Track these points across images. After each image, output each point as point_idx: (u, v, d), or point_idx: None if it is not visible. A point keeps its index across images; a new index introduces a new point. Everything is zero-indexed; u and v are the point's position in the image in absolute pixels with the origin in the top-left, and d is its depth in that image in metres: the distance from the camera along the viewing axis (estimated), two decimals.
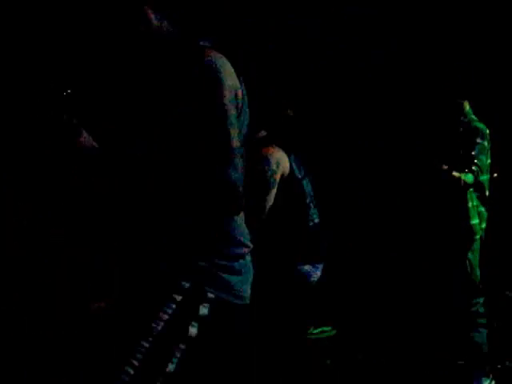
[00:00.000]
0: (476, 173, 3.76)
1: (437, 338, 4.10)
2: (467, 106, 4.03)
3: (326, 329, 4.53)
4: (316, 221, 3.54)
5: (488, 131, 3.89)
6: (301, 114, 5.23)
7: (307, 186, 3.62)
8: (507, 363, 3.91)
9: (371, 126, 5.23)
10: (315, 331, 4.50)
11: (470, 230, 3.89)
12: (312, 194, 3.63)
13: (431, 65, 5.22)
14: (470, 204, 3.89)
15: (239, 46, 5.18)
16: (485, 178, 3.92)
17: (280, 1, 5.24)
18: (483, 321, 3.89)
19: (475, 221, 3.91)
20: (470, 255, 3.91)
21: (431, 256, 4.09)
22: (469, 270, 3.88)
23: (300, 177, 3.58)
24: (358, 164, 5.12)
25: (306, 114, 5.20)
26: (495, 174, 4.68)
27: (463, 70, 5.08)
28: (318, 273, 3.49)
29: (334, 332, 4.47)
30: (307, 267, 3.42)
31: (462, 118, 3.95)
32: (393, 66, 5.20)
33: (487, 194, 3.99)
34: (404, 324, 4.46)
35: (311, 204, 3.56)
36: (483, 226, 3.97)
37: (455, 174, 3.71)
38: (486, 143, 3.88)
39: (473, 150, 3.82)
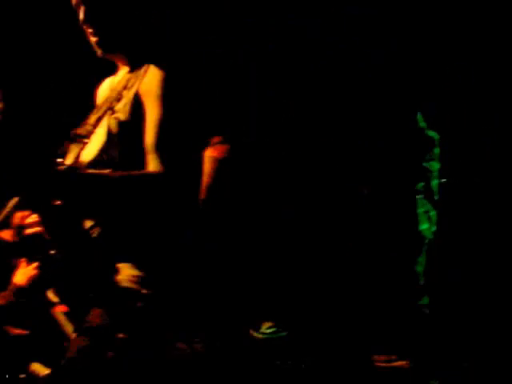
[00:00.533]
0: (427, 178, 3.85)
1: (385, 340, 4.13)
2: (418, 114, 4.07)
3: (276, 329, 4.57)
4: None
5: (438, 138, 3.96)
6: (301, 113, 5.25)
7: None
8: (451, 363, 3.95)
9: (371, 126, 5.23)
10: (268, 331, 4.54)
11: (419, 236, 3.92)
12: None
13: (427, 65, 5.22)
14: (419, 210, 3.92)
15: (239, 46, 5.20)
16: (435, 182, 3.97)
17: (280, 1, 5.24)
18: (428, 322, 3.97)
19: (425, 226, 3.93)
20: (419, 260, 3.94)
21: (382, 260, 4.14)
22: (418, 273, 3.93)
23: None
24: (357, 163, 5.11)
25: (305, 114, 5.21)
26: (444, 180, 4.75)
27: (463, 70, 5.11)
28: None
29: (284, 333, 4.52)
30: None
31: (412, 124, 4.03)
32: (393, 65, 5.20)
33: (437, 198, 4.02)
34: (353, 326, 4.49)
35: None
36: (433, 229, 4.00)
37: None
38: (436, 150, 3.95)
39: (425, 155, 3.89)
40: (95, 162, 1.83)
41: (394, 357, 3.94)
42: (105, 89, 2.07)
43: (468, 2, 5.17)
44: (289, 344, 4.33)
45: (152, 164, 1.75)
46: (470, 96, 5.27)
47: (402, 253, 3.91)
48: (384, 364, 3.93)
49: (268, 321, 4.60)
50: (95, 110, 1.97)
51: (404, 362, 3.91)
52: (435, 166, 3.89)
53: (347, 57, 5.27)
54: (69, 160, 1.88)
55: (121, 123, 1.82)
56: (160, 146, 1.76)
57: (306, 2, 5.21)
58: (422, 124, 3.97)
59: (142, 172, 1.77)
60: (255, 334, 4.56)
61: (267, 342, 4.45)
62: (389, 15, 5.23)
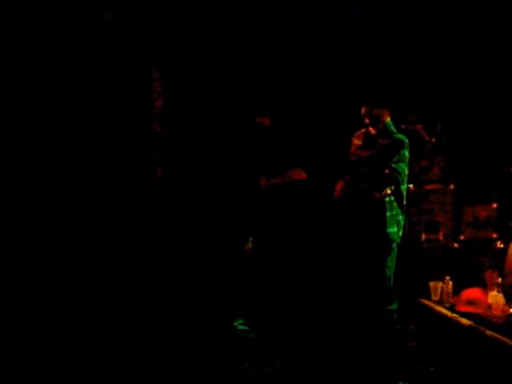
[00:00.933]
0: (396, 180, 3.87)
1: (353, 343, 4.14)
2: (387, 118, 4.08)
3: (240, 321, 4.64)
4: None
5: (407, 142, 3.98)
6: (301, 113, 5.25)
7: None
8: (420, 366, 3.96)
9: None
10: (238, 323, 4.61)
11: (387, 238, 3.96)
12: None
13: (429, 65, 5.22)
14: (388, 213, 3.97)
15: (239, 46, 5.20)
16: (404, 187, 4.01)
17: (280, 1, 5.24)
18: (397, 326, 4.00)
19: (393, 229, 3.97)
20: (388, 262, 3.98)
21: (352, 262, 4.16)
22: (387, 276, 3.96)
23: None
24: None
25: (306, 114, 5.21)
26: (411, 185, 4.79)
27: (463, 69, 5.10)
28: None
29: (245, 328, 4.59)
30: None
31: (382, 127, 4.06)
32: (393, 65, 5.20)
33: (405, 202, 4.06)
34: (324, 328, 4.51)
35: None
36: (400, 233, 4.04)
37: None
38: (406, 153, 3.98)
39: (394, 158, 3.92)
40: None
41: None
42: None
43: (468, 2, 5.17)
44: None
45: None
46: (470, 97, 5.27)
47: (371, 255, 3.97)
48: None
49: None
50: None
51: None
52: (404, 167, 3.91)
53: (347, 57, 5.27)
54: None
55: None
56: None
57: (306, 1, 5.21)
58: (391, 128, 4.03)
59: None
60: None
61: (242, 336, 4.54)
62: (389, 15, 5.22)
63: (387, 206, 3.96)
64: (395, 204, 3.99)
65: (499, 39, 5.15)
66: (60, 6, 4.54)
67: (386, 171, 3.89)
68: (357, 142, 4.12)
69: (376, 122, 4.07)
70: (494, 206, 5.17)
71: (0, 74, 4.38)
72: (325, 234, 4.93)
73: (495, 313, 3.82)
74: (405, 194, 4.03)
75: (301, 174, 4.80)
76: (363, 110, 4.10)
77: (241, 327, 4.66)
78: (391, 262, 3.99)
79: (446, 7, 5.19)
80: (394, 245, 3.99)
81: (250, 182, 4.87)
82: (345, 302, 4.40)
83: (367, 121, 4.08)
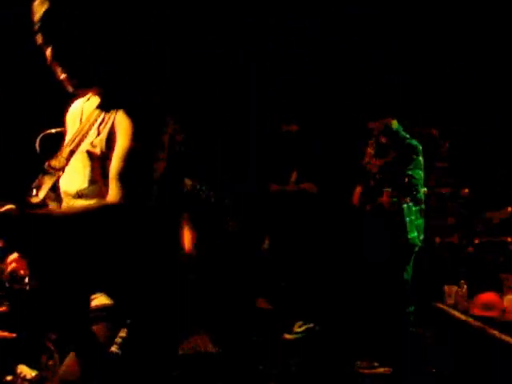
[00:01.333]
0: (415, 186, 3.89)
1: (368, 346, 4.15)
2: (395, 124, 4.09)
3: (308, 325, 4.56)
4: None
5: (421, 147, 4.00)
6: (301, 114, 5.23)
7: None
8: (435, 368, 3.97)
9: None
10: (299, 329, 4.53)
11: (409, 243, 3.98)
12: None
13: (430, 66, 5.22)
14: (407, 218, 3.99)
15: (239, 46, 5.20)
16: (421, 192, 4.03)
17: (280, 1, 5.24)
18: (413, 329, 4.02)
19: (414, 234, 4.00)
20: (408, 267, 4.01)
21: (373, 267, 4.17)
22: (405, 280, 3.98)
23: None
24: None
25: (306, 114, 5.20)
26: (425, 189, 4.77)
27: (463, 69, 5.09)
28: None
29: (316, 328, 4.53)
30: None
31: (392, 135, 4.06)
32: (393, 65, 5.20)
33: (423, 206, 4.08)
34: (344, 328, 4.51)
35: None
36: (421, 237, 4.06)
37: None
38: (420, 158, 4.00)
39: (409, 165, 3.92)
40: (82, 193, 1.84)
41: (376, 363, 4.01)
42: (75, 117, 2.03)
43: (468, 2, 5.17)
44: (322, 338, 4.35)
45: (113, 192, 1.77)
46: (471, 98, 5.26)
47: (392, 260, 3.98)
48: (366, 370, 3.98)
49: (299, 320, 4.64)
50: (68, 142, 1.96)
51: (386, 369, 3.98)
52: (420, 173, 3.94)
53: (347, 57, 5.27)
54: (42, 192, 1.88)
55: (99, 157, 1.83)
56: (124, 176, 1.77)
57: (306, 1, 5.21)
58: (403, 134, 4.04)
59: (100, 203, 1.79)
60: (287, 336, 4.59)
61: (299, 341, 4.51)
62: (389, 15, 5.22)
63: (406, 211, 3.99)
64: (414, 209, 4.03)
65: (499, 39, 5.15)
66: None
67: (406, 179, 3.91)
68: (369, 150, 4.13)
69: (385, 131, 4.08)
70: (509, 209, 5.16)
71: None
72: (341, 240, 4.88)
73: (510, 316, 3.81)
74: (423, 198, 4.06)
75: (313, 188, 4.81)
76: (370, 125, 4.12)
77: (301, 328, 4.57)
78: (410, 266, 4.01)
79: (446, 7, 5.18)
80: (416, 249, 4.02)
81: (252, 184, 4.87)
82: (364, 304, 4.36)
83: (376, 132, 4.09)
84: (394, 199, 3.96)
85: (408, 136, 4.12)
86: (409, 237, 3.97)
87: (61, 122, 2.11)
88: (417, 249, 4.02)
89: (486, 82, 5.25)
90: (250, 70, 5.25)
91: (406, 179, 3.91)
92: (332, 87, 5.29)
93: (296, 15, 5.20)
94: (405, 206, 3.98)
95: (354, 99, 4.79)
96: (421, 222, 4.07)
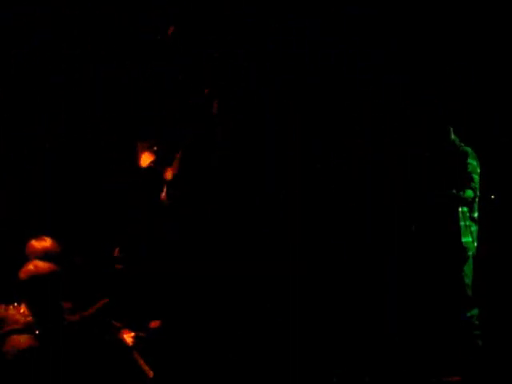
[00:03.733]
0: (474, 189, 3.96)
1: (435, 351, 4.13)
2: (452, 132, 4.22)
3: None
4: None
5: (473, 153, 4.06)
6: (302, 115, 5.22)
7: None
8: (504, 373, 3.95)
9: (371, 128, 5.22)
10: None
11: (463, 248, 4.05)
12: None
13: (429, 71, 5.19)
14: (462, 223, 4.04)
15: (239, 46, 5.18)
16: (476, 198, 4.14)
17: (280, 1, 5.23)
18: (478, 332, 4.04)
19: (468, 238, 4.06)
20: (464, 271, 4.08)
21: (427, 272, 4.17)
22: (465, 283, 4.05)
23: None
24: (356, 167, 5.10)
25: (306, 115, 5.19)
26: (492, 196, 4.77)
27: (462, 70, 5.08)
28: None
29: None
30: None
31: (449, 142, 4.14)
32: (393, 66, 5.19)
33: (477, 214, 4.15)
34: (401, 340, 4.46)
35: None
36: (475, 243, 4.13)
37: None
38: (474, 163, 4.09)
39: (466, 169, 4.00)
40: None
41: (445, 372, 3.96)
42: None
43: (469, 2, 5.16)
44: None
45: None
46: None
47: (447, 265, 4.05)
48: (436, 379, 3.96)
49: None
50: None
51: (457, 379, 3.94)
52: (477, 179, 4.02)
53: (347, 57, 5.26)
54: None
55: None
56: None
57: (306, 1, 5.20)
58: (458, 141, 4.12)
59: None
60: None
61: None
62: (389, 15, 5.22)
63: (460, 216, 4.05)
64: (468, 215, 4.09)
65: (500, 38, 5.14)
66: None
67: (467, 184, 3.94)
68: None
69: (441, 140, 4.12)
70: None
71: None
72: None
73: None
74: (476, 205, 4.13)
75: None
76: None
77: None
78: (468, 269, 4.08)
79: (446, 7, 5.18)
80: (470, 253, 4.09)
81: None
82: (423, 308, 4.33)
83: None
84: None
85: (462, 144, 4.22)
86: (462, 241, 4.04)
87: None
88: (470, 253, 4.08)
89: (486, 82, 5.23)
90: (250, 69, 5.24)
91: (468, 183, 3.96)
92: (332, 87, 5.27)
93: (296, 15, 5.20)
94: (460, 210, 4.04)
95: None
96: (474, 228, 4.13)
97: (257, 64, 5.20)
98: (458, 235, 4.03)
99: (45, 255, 3.49)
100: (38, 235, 3.71)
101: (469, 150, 4.14)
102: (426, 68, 5.24)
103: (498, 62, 5.20)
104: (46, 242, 3.62)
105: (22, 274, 3.26)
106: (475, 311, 4.04)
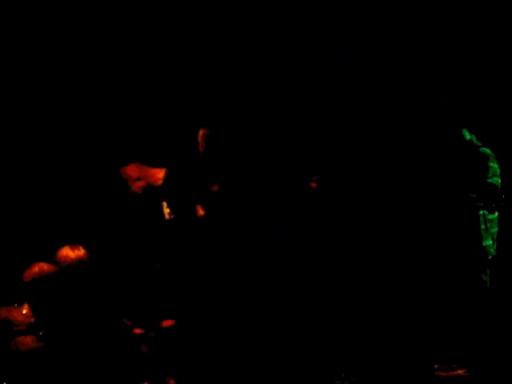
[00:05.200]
0: (495, 192, 3.92)
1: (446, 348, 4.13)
2: (467, 134, 4.14)
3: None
4: None
5: (493, 154, 4.03)
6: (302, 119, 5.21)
7: None
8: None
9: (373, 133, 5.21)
10: None
11: (483, 252, 4.02)
12: None
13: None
14: (482, 226, 4.01)
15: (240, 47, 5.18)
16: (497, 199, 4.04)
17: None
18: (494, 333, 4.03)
19: (488, 242, 4.03)
20: (483, 275, 4.05)
21: (446, 276, 4.16)
22: (484, 287, 4.04)
23: None
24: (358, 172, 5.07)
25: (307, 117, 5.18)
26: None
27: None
28: None
29: None
30: None
31: (466, 144, 4.10)
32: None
33: (497, 215, 4.12)
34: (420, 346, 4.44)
35: None
36: (495, 246, 4.09)
37: None
38: (495, 165, 4.04)
39: (487, 172, 3.98)
40: None
41: (455, 365, 3.98)
42: None
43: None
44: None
45: None
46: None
47: (465, 268, 4.02)
48: (445, 373, 3.97)
49: None
50: None
51: (465, 371, 3.95)
52: (498, 181, 3.98)
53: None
54: None
55: None
56: None
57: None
58: (477, 143, 4.09)
59: None
60: None
61: None
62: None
63: (481, 219, 4.02)
64: (489, 217, 4.06)
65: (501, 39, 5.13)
66: None
67: (488, 189, 3.93)
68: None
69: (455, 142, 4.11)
70: None
71: None
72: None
73: None
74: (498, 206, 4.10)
75: None
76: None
77: None
78: (487, 274, 4.07)
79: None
80: (489, 258, 4.06)
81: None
82: (440, 307, 4.31)
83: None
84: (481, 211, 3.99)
85: (479, 143, 4.16)
86: (483, 245, 4.01)
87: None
88: (490, 257, 4.05)
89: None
90: (250, 72, 5.24)
91: (489, 189, 3.94)
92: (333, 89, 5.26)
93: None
94: (480, 213, 4.01)
95: None
96: (495, 231, 4.09)
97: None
98: (479, 239, 4.00)
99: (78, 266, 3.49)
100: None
101: (487, 151, 4.09)
102: (435, 67, 5.22)
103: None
104: (79, 251, 3.61)
105: (28, 276, 3.27)
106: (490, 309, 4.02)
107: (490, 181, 3.98)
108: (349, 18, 5.26)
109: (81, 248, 3.62)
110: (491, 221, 4.08)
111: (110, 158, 4.72)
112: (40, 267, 3.33)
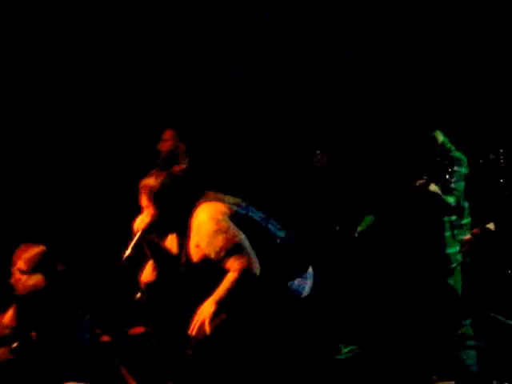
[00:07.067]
0: (457, 197, 3.85)
1: (427, 362, 4.10)
2: (441, 137, 4.07)
3: (353, 348, 4.42)
4: (280, 235, 3.33)
5: (465, 159, 3.97)
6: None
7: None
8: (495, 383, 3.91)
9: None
10: (345, 350, 4.40)
11: (446, 259, 3.92)
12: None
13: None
14: (447, 233, 3.94)
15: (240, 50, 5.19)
16: (466, 205, 3.98)
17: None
18: (471, 342, 3.92)
19: (452, 250, 3.94)
20: (450, 281, 3.94)
21: (415, 282, 4.12)
22: (451, 294, 3.93)
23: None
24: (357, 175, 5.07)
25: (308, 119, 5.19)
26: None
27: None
28: (308, 282, 3.35)
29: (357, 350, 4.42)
30: (296, 282, 3.31)
31: (437, 147, 4.03)
32: None
33: (468, 220, 4.04)
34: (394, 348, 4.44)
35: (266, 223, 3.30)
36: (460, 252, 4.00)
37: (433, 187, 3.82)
38: (462, 170, 3.95)
39: (451, 177, 3.88)
40: None
41: (434, 377, 3.92)
42: None
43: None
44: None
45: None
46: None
47: (431, 277, 3.90)
48: None
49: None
50: None
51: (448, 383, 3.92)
52: (462, 186, 3.87)
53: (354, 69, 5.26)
54: None
55: None
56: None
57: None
58: (449, 146, 4.02)
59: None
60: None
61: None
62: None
63: (446, 225, 3.94)
64: (457, 223, 3.95)
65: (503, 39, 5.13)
66: None
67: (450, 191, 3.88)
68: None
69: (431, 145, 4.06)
70: None
71: None
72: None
73: None
74: (467, 212, 4.01)
75: None
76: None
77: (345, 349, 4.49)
78: (455, 280, 3.95)
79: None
80: (454, 265, 3.94)
81: None
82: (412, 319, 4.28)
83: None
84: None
85: (453, 148, 4.03)
86: (447, 252, 3.92)
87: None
88: (454, 265, 3.94)
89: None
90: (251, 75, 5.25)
91: (452, 192, 3.88)
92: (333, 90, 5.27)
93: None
94: (446, 219, 3.93)
95: None
96: (464, 236, 4.01)
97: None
98: (443, 246, 3.90)
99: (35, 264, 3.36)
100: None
101: (457, 154, 3.98)
102: (435, 67, 5.22)
103: (493, 62, 5.18)
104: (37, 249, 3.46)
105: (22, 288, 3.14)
106: (467, 321, 3.92)
107: (453, 186, 3.88)
108: (349, 18, 5.26)
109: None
110: (461, 227, 4.00)
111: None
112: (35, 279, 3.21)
